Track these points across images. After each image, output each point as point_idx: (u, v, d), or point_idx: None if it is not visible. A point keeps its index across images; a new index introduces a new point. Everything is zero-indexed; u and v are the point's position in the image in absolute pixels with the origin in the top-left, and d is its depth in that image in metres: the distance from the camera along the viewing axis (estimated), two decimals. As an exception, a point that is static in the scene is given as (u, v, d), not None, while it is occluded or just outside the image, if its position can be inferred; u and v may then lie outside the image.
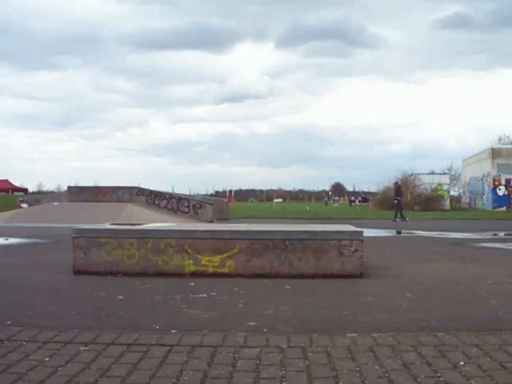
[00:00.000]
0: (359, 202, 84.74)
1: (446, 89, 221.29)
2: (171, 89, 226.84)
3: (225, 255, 7.50)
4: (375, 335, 4.32)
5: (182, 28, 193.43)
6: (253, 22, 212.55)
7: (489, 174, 52.61)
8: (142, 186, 28.04)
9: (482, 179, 55.11)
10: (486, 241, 15.03)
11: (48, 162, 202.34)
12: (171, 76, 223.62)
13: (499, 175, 51.92)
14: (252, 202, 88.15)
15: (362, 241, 7.54)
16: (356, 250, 7.45)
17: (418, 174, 52.68)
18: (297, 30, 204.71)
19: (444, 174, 57.02)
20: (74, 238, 7.83)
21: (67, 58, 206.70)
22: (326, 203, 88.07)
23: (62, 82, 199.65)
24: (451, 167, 61.76)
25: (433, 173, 56.03)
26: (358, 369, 3.54)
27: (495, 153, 52.78)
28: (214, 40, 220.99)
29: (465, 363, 3.63)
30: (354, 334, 4.36)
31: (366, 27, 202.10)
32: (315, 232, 7.81)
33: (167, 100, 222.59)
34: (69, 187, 29.36)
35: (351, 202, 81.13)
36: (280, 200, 78.64)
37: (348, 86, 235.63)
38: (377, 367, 3.57)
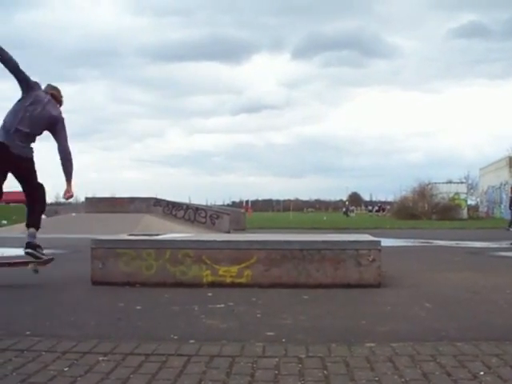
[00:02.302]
0: (376, 211, 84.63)
1: (462, 97, 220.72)
2: (189, 100, 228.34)
3: (242, 265, 7.51)
4: (394, 345, 4.29)
5: (199, 40, 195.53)
6: (269, 33, 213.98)
7: (506, 183, 52.29)
8: (158, 196, 28.18)
9: (499, 188, 54.81)
10: (505, 250, 14.94)
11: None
12: (189, 87, 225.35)
13: (517, 184, 51.63)
14: (310, 211, 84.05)
15: (379, 250, 7.51)
16: (374, 260, 7.42)
17: (435, 183, 52.51)
18: (313, 40, 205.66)
19: (461, 183, 56.76)
20: (92, 248, 7.87)
21: (86, 70, 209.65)
22: (347, 214, 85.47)
23: (81, 94, 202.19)
24: (468, 176, 61.45)
25: (450, 182, 55.79)
26: (376, 379, 3.52)
27: (513, 161, 52.49)
28: (231, 51, 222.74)
29: (485, 373, 3.60)
30: (373, 344, 4.34)
31: (381, 37, 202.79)
32: (333, 242, 7.80)
33: (185, 111, 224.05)
34: (86, 198, 29.57)
35: (347, 211, 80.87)
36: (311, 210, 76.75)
37: (364, 95, 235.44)
38: (396, 377, 3.55)
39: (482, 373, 3.61)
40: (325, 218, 55.05)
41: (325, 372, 3.67)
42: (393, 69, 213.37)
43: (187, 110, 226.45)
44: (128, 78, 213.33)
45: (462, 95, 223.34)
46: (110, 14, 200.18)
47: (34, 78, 7.71)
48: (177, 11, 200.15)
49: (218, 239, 8.02)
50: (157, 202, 26.84)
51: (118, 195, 29.20)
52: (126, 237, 8.77)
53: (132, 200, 26.85)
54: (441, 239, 19.66)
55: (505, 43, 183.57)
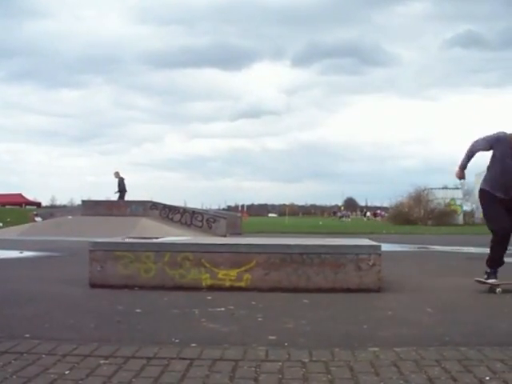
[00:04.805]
0: (374, 215, 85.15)
1: (458, 105, 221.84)
2: (190, 106, 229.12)
3: (242, 269, 7.47)
4: (398, 349, 4.26)
5: (201, 47, 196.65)
6: (270, 41, 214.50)
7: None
8: (155, 200, 28.04)
9: (495, 194, 54.87)
10: (503, 256, 14.91)
11: (62, 177, 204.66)
12: (190, 93, 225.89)
13: (513, 190, 51.68)
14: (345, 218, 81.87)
15: (379, 255, 7.48)
16: (374, 264, 7.39)
17: (431, 189, 52.49)
18: (313, 48, 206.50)
19: (457, 188, 56.69)
20: (90, 251, 7.83)
21: (90, 76, 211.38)
22: (337, 216, 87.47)
23: (84, 100, 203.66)
24: (464, 182, 61.40)
25: (446, 187, 55.74)
26: (382, 383, 3.49)
27: (508, 167, 52.55)
28: (232, 59, 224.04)
29: (490, 378, 3.57)
30: (376, 349, 4.31)
31: (380, 46, 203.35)
32: (333, 246, 7.78)
33: (185, 116, 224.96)
34: (83, 201, 29.40)
35: (339, 215, 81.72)
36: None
37: (362, 102, 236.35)
38: (401, 382, 3.51)
39: (487, 378, 3.58)
40: (320, 223, 55.07)
41: (329, 376, 3.63)
42: (390, 77, 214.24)
43: (187, 115, 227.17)
44: (131, 84, 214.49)
45: (458, 103, 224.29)
46: (115, 23, 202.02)
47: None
48: (180, 21, 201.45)
49: (217, 242, 7.99)
50: (153, 205, 26.73)
51: (113, 199, 28.95)
52: (124, 239, 8.72)
53: (128, 203, 26.73)
54: (438, 244, 19.66)
55: (500, 53, 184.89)
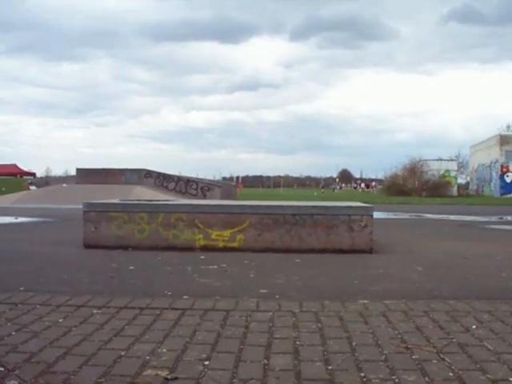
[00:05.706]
0: (366, 186, 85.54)
1: (454, 80, 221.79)
2: (188, 78, 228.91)
3: (235, 229, 7.52)
4: (387, 302, 4.33)
5: (201, 21, 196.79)
6: (269, 15, 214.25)
7: (497, 161, 52.45)
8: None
9: (489, 166, 54.93)
10: (494, 223, 15.02)
11: (58, 148, 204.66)
12: (189, 66, 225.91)
13: (507, 162, 51.75)
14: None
15: (371, 216, 7.53)
16: (366, 226, 7.44)
17: (426, 160, 52.47)
18: (311, 22, 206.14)
19: (452, 160, 56.75)
20: (84, 212, 7.86)
21: (90, 50, 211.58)
22: (334, 189, 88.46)
23: (84, 73, 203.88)
24: (459, 155, 61.44)
25: (440, 159, 55.75)
26: (370, 331, 3.55)
27: (503, 139, 52.58)
28: (232, 32, 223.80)
29: (477, 327, 3.64)
30: (366, 301, 4.38)
31: (379, 20, 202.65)
32: (325, 207, 7.83)
33: (183, 89, 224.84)
34: (77, 169, 29.35)
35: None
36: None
37: (359, 76, 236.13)
38: (389, 330, 3.58)
39: (474, 326, 3.65)
40: (315, 194, 55.16)
41: (319, 325, 3.69)
42: (388, 51, 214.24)
43: (185, 88, 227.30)
44: (131, 58, 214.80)
45: (454, 78, 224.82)
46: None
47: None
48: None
49: (210, 203, 8.03)
50: (148, 173, 26.76)
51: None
52: (118, 201, 8.75)
53: (123, 171, 26.73)
54: (431, 213, 19.74)
55: (497, 28, 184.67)
